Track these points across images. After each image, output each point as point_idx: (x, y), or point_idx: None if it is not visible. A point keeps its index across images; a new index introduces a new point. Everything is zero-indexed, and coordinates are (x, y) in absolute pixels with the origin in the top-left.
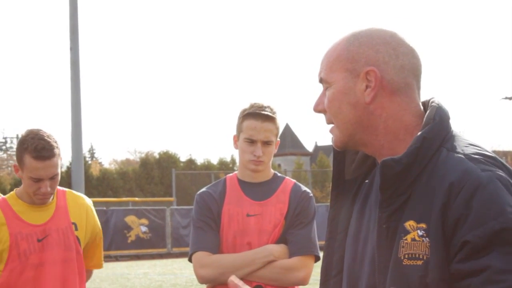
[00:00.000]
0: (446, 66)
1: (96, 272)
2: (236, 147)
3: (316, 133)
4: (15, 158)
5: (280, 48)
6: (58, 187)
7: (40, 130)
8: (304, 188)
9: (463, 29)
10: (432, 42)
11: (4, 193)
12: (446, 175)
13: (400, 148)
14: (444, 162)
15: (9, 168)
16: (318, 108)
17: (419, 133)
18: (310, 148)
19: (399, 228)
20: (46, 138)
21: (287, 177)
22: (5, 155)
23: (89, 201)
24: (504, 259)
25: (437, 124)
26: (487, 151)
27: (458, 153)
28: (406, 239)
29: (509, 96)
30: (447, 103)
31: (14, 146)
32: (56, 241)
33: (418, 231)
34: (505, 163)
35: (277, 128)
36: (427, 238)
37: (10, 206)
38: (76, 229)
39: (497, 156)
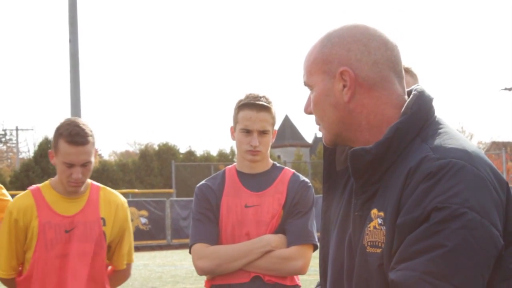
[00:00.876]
0: (445, 57)
1: None
2: (233, 138)
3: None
4: (14, 150)
5: (279, 39)
6: (94, 183)
7: (77, 118)
8: (302, 178)
9: (462, 20)
10: (431, 33)
11: (4, 185)
12: (407, 164)
13: (371, 135)
14: (414, 152)
15: (9, 160)
16: (307, 111)
17: (392, 125)
18: (309, 139)
19: (368, 215)
20: (81, 125)
21: (286, 167)
22: (4, 147)
23: (123, 199)
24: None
25: (413, 113)
26: (459, 140)
27: (428, 143)
28: (369, 227)
29: (508, 87)
30: (446, 95)
31: (14, 138)
32: (83, 234)
33: (378, 219)
34: (485, 158)
35: (273, 118)
36: (384, 227)
37: (42, 195)
38: (104, 224)
39: (475, 151)
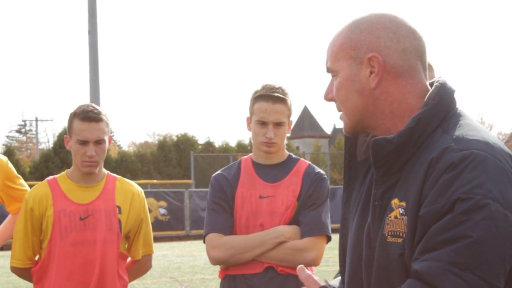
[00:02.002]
0: (465, 48)
1: None
2: (249, 129)
3: (334, 115)
4: (34, 141)
5: (299, 30)
6: (111, 173)
7: (91, 104)
8: (318, 169)
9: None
10: (451, 23)
11: (23, 176)
12: (429, 155)
13: (395, 124)
14: (434, 143)
15: (29, 151)
16: (328, 97)
17: (416, 113)
18: (328, 130)
19: (388, 205)
20: (95, 106)
21: (302, 158)
22: (24, 138)
23: (139, 189)
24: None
25: (435, 104)
26: (481, 131)
27: (449, 134)
28: (390, 217)
29: None
30: (466, 86)
31: (33, 129)
32: (98, 221)
33: (400, 209)
34: (506, 149)
35: (289, 109)
36: (405, 217)
37: (58, 184)
38: (120, 213)
39: (496, 142)
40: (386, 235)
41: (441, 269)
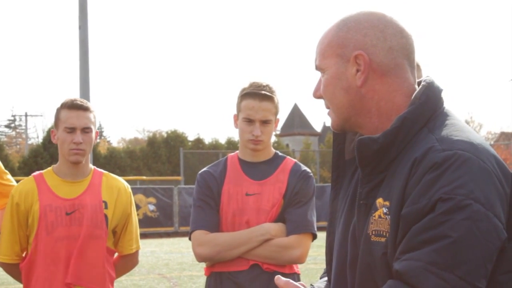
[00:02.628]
0: (454, 48)
1: None
2: (236, 126)
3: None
4: (23, 136)
5: (290, 28)
6: (98, 169)
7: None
8: (304, 167)
9: (471, 10)
10: (439, 23)
11: (12, 171)
12: (413, 154)
13: (382, 123)
14: (420, 142)
15: (18, 146)
16: (316, 95)
17: (401, 113)
18: (318, 128)
19: (373, 204)
20: (82, 100)
21: (288, 156)
22: (13, 133)
23: (126, 184)
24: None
25: (421, 104)
26: (466, 132)
27: (434, 133)
28: (374, 216)
29: None
30: (456, 85)
31: (23, 124)
32: (84, 217)
33: (384, 208)
34: (491, 150)
35: (276, 107)
36: (389, 216)
37: (44, 179)
38: (106, 208)
39: (481, 143)
40: (370, 234)
41: (420, 269)
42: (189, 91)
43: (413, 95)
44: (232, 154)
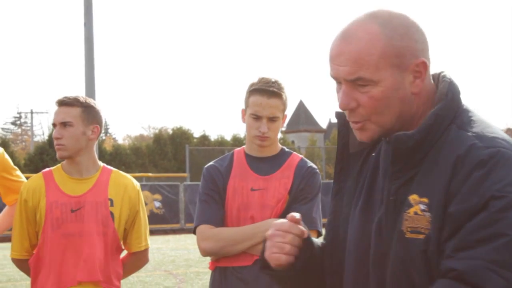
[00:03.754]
0: (460, 44)
1: None
2: (243, 121)
3: (330, 110)
4: (29, 133)
5: (296, 24)
6: (107, 166)
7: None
8: (310, 163)
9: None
10: (443, 20)
11: (18, 168)
12: (452, 152)
13: (412, 122)
14: (453, 140)
15: (23, 143)
16: (350, 106)
17: (432, 110)
18: (324, 125)
19: (404, 200)
20: (77, 95)
21: (294, 152)
22: (19, 130)
23: (134, 182)
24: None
25: (449, 101)
26: (495, 129)
27: (467, 130)
28: (409, 213)
29: None
30: (460, 82)
31: (28, 121)
32: (89, 214)
33: (421, 205)
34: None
35: (284, 104)
36: (428, 213)
37: (52, 176)
38: (112, 205)
39: (505, 135)
40: (405, 231)
41: (481, 268)
42: (195, 88)
43: (438, 90)
44: (239, 149)
